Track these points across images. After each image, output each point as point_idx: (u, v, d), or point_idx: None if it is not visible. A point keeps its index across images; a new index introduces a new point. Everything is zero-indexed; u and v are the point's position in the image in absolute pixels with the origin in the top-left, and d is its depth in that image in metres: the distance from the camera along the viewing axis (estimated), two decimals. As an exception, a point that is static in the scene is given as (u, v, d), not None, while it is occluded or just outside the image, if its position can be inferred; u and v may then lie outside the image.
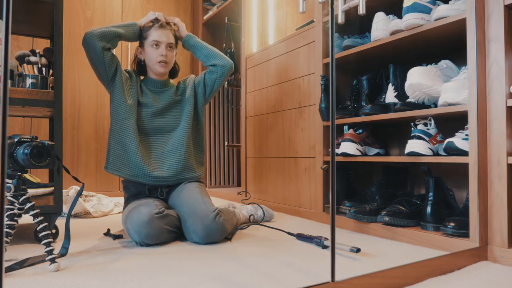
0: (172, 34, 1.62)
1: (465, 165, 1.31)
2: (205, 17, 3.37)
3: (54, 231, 1.40)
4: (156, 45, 1.57)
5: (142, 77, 1.68)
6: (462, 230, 1.25)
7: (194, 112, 1.67)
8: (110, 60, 1.51)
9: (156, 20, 1.59)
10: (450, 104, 1.31)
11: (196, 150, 1.68)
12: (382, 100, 1.70)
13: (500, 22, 1.19)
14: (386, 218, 1.44)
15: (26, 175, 1.36)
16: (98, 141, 3.01)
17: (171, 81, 1.72)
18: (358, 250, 1.19)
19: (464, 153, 1.26)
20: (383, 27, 1.57)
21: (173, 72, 1.72)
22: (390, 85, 1.59)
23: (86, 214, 2.01)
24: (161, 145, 1.58)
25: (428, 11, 1.40)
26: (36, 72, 1.51)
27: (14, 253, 1.23)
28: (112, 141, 1.54)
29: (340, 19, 1.36)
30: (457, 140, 1.28)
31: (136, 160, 1.50)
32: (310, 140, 1.96)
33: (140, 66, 1.66)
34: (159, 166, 1.56)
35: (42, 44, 2.34)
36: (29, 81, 1.44)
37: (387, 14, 1.62)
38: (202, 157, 1.71)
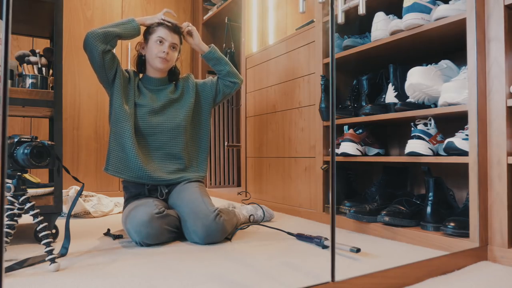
0: (179, 37, 1.64)
1: (465, 165, 1.31)
2: (205, 17, 3.37)
3: (54, 231, 1.40)
4: (161, 41, 1.58)
5: (141, 75, 1.68)
6: (462, 230, 1.25)
7: (196, 113, 1.69)
8: (109, 63, 1.51)
9: (163, 21, 1.60)
10: (450, 104, 1.31)
11: (199, 151, 1.69)
12: (382, 100, 1.70)
13: (500, 22, 1.19)
14: (386, 218, 1.44)
15: (26, 175, 1.36)
16: (98, 141, 3.01)
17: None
18: (358, 250, 1.19)
19: (464, 153, 1.26)
20: (383, 27, 1.57)
21: (173, 74, 1.71)
22: (390, 85, 1.59)
23: (86, 214, 2.01)
24: (160, 145, 1.58)
25: (428, 11, 1.40)
26: (36, 72, 1.51)
27: (14, 253, 1.23)
28: (112, 143, 1.54)
29: (340, 19, 1.36)
30: (457, 140, 1.28)
31: (136, 162, 1.50)
32: (310, 140, 1.96)
33: (141, 62, 1.67)
34: (159, 167, 1.57)
35: (42, 44, 2.34)
36: (29, 81, 1.44)
37: (387, 14, 1.62)
38: (205, 159, 1.71)
